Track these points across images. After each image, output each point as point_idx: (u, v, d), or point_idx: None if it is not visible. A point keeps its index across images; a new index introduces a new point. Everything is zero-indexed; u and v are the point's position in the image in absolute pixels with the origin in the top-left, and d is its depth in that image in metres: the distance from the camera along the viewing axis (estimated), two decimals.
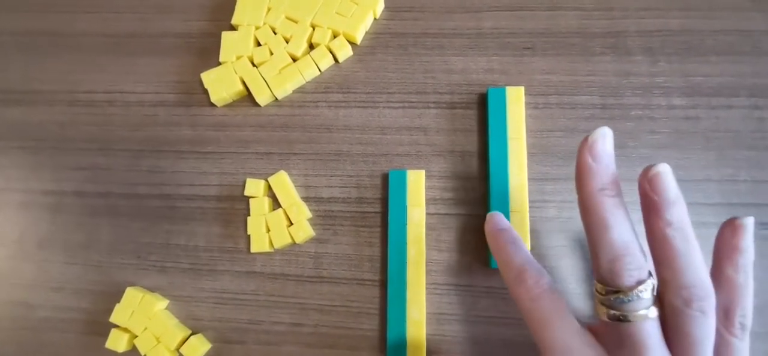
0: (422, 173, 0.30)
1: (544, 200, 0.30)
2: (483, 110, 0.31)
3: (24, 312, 0.31)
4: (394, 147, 0.31)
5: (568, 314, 0.21)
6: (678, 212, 0.20)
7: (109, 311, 0.30)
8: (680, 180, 0.30)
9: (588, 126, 0.31)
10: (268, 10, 0.33)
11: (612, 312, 0.20)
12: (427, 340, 0.29)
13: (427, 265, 0.30)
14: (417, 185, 0.30)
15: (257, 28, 0.32)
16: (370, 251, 0.30)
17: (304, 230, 0.30)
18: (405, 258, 0.29)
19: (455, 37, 0.33)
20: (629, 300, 0.20)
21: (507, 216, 0.28)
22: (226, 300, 0.30)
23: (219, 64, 0.33)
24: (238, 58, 0.32)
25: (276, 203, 0.31)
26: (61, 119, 0.34)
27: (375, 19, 0.33)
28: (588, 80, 0.31)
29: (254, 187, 0.31)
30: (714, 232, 0.29)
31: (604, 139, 0.21)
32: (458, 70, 0.32)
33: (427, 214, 0.30)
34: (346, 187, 0.31)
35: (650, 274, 0.20)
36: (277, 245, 0.30)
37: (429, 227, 0.30)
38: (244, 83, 0.32)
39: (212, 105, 0.33)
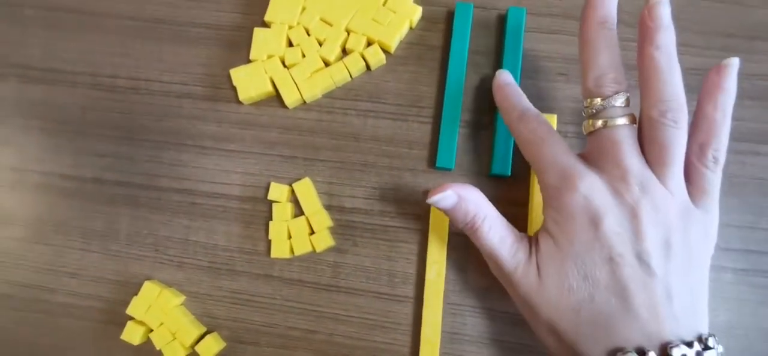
0: None
1: None
2: None
3: (40, 295, 0.31)
4: (420, 163, 0.31)
5: (562, 140, 0.25)
6: (667, 38, 0.23)
7: (126, 301, 0.30)
8: None
9: None
10: (303, 9, 0.32)
11: (593, 121, 0.24)
12: None
13: (446, 284, 0.30)
14: None
15: (290, 27, 0.32)
16: (389, 265, 0.30)
17: (325, 240, 0.30)
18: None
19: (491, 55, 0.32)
20: (606, 107, 0.24)
21: None
22: (242, 301, 0.30)
23: (248, 60, 0.32)
24: (269, 57, 0.31)
25: (298, 208, 0.31)
26: (83, 102, 0.33)
27: (411, 28, 0.32)
28: None
29: (278, 192, 0.30)
30: (731, 277, 0.30)
31: None
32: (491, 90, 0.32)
33: (451, 232, 0.30)
34: (370, 198, 0.31)
35: (626, 91, 0.24)
36: (298, 252, 0.30)
37: (451, 247, 0.30)
38: (272, 83, 0.31)
39: (238, 102, 0.32)
